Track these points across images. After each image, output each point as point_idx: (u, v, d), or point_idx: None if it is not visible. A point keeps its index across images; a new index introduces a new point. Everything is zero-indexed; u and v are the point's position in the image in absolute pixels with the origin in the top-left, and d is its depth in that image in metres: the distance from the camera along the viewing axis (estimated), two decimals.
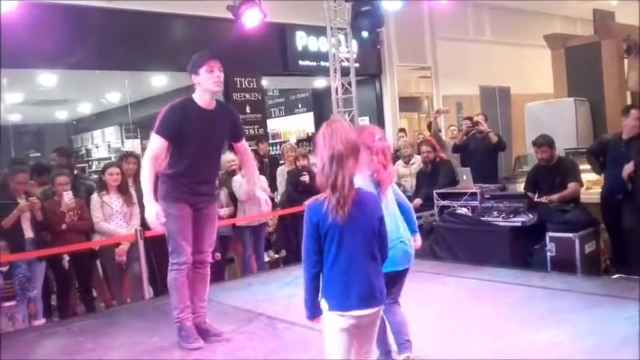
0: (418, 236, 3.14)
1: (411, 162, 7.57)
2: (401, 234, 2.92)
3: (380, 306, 2.30)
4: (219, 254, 6.07)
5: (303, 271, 2.29)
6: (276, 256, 7.21)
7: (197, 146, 3.62)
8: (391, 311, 2.95)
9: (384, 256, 2.35)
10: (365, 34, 7.60)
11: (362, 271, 2.21)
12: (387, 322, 2.96)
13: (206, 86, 3.59)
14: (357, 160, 2.24)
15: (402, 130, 10.53)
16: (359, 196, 2.21)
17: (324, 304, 2.28)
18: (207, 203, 3.86)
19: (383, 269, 2.42)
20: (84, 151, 15.09)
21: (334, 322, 2.24)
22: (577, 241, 5.10)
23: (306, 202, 2.40)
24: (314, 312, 2.30)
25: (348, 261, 2.20)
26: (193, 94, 3.67)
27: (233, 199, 6.25)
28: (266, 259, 6.80)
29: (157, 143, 3.57)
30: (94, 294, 5.81)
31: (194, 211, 3.74)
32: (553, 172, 5.93)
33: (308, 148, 11.20)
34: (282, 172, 7.42)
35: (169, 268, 3.75)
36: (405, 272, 2.95)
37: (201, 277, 3.88)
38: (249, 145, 8.42)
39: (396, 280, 2.93)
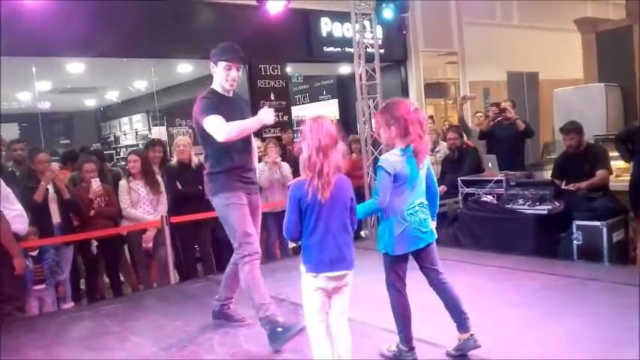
0: (434, 223, 3.14)
1: (436, 149, 7.50)
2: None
3: (348, 270, 2.63)
4: None
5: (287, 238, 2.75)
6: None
7: None
8: (440, 290, 3.04)
9: (354, 226, 2.71)
10: (389, 13, 7.50)
11: (334, 241, 2.60)
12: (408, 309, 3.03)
13: (219, 82, 3.62)
14: (338, 150, 2.58)
15: (430, 117, 10.43)
16: (338, 180, 2.58)
17: (302, 267, 2.66)
18: (255, 192, 3.79)
19: (407, 249, 2.92)
20: (112, 139, 15.32)
21: (310, 282, 2.61)
22: (604, 230, 4.99)
23: (290, 182, 2.74)
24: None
25: (323, 232, 2.59)
26: (212, 85, 3.68)
27: None
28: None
29: (220, 119, 3.40)
30: (122, 279, 5.93)
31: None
32: (582, 159, 5.81)
33: None
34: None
35: (241, 262, 3.45)
36: (424, 249, 3.00)
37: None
38: (273, 133, 8.53)
39: (418, 256, 3.02)
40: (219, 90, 3.65)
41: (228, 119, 3.44)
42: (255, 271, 3.43)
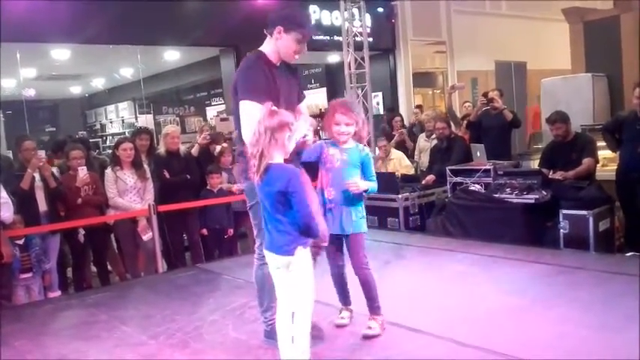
0: None
1: (433, 136, 7.47)
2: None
3: (281, 255, 2.70)
4: (231, 230, 6.14)
5: None
6: None
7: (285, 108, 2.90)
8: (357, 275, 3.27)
9: (300, 222, 2.63)
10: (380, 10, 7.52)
11: (266, 227, 2.76)
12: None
13: (284, 52, 3.09)
14: (275, 138, 2.62)
15: (419, 106, 10.45)
16: (269, 169, 2.63)
17: None
18: None
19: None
20: (98, 126, 15.18)
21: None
22: (591, 219, 5.03)
23: None
24: None
25: (264, 215, 2.78)
26: (263, 48, 3.13)
27: None
28: None
29: (257, 112, 2.78)
30: (109, 268, 5.89)
31: None
32: (569, 149, 5.85)
33: (320, 124, 11.14)
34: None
35: (262, 261, 3.08)
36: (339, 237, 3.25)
37: None
38: None
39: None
40: (273, 58, 3.10)
41: (280, 96, 3.01)
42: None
